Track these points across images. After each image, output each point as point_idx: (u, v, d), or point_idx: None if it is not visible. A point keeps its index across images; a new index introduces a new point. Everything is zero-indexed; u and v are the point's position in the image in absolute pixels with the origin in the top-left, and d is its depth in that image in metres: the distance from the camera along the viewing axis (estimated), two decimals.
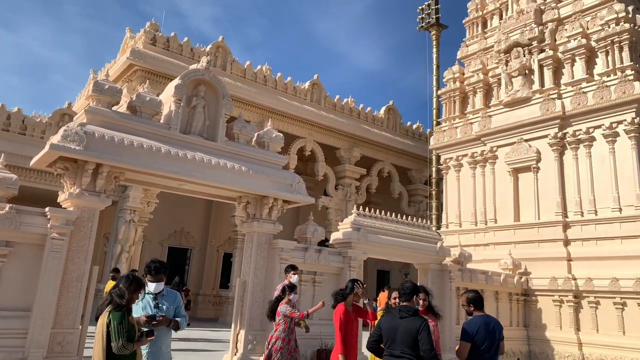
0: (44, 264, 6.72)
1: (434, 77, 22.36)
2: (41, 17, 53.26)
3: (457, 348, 4.74)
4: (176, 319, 4.48)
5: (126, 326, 3.80)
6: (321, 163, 20.47)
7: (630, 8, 14.31)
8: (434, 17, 23.48)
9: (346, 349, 5.56)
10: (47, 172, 14.20)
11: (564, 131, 14.54)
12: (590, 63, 14.70)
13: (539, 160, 14.96)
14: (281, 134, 9.87)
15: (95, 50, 58.28)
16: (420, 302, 5.99)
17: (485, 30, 18.41)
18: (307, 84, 20.61)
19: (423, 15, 24.11)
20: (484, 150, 16.39)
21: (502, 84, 16.32)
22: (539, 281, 13.70)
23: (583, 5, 15.49)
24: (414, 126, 24.50)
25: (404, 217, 11.55)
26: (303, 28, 63.16)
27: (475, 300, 4.83)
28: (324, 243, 10.58)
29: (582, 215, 13.73)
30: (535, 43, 15.64)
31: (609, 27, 14.19)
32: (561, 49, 15.27)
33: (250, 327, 8.82)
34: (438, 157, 19.25)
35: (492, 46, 17.23)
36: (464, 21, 19.11)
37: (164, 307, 4.47)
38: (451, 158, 17.50)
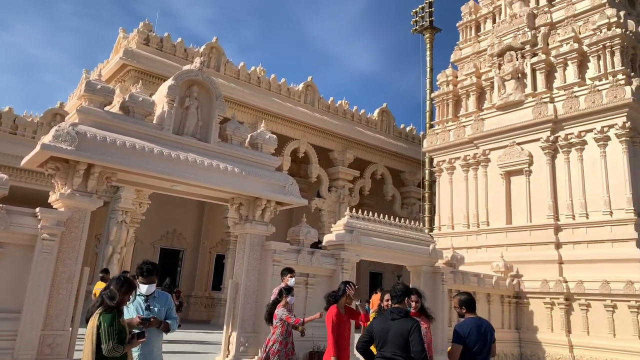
0: (34, 265, 6.67)
1: (428, 80, 22.43)
2: (34, 16, 52.96)
3: (448, 349, 4.75)
4: (167, 320, 4.45)
5: (117, 328, 3.77)
6: (314, 165, 20.47)
7: (621, 13, 14.43)
8: (427, 20, 23.55)
9: (338, 351, 5.56)
10: (38, 172, 14.10)
11: (556, 135, 14.63)
12: (582, 67, 14.81)
13: (531, 163, 15.04)
14: (274, 136, 9.87)
15: (88, 50, 58.02)
16: (413, 304, 5.99)
17: (478, 33, 18.50)
18: (301, 86, 20.60)
19: (417, 18, 24.18)
20: (477, 153, 16.46)
21: (495, 87, 16.41)
22: (530, 284, 13.77)
23: (575, 10, 15.61)
24: (408, 129, 24.56)
25: (397, 219, 11.57)
26: (297, 30, 63.25)
27: (467, 302, 4.85)
28: (317, 245, 10.58)
29: (574, 219, 13.82)
30: (528, 47, 15.74)
31: (601, 32, 14.31)
32: (554, 53, 15.37)
33: (243, 329, 8.79)
34: (431, 160, 19.31)
35: (486, 50, 17.32)
36: (457, 24, 19.20)
37: (156, 309, 4.44)
38: (444, 161, 17.55)
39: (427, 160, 20.40)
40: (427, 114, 21.62)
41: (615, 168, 13.31)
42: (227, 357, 8.70)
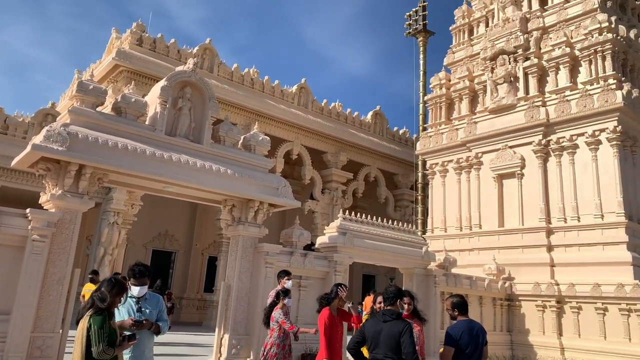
0: (24, 266, 6.61)
1: (421, 83, 22.49)
2: (25, 16, 52.61)
3: (440, 350, 4.75)
4: (158, 322, 4.43)
5: (107, 330, 3.74)
6: (308, 167, 20.46)
7: (613, 18, 14.56)
8: (421, 23, 23.63)
9: (330, 353, 5.55)
10: (29, 173, 14.01)
11: (548, 138, 14.71)
12: (574, 71, 14.92)
13: (523, 166, 15.12)
14: (268, 137, 9.85)
15: (80, 50, 57.72)
16: (405, 306, 5.99)
17: (471, 37, 18.59)
18: (294, 88, 20.60)
19: (411, 22, 24.26)
20: (469, 156, 16.52)
21: (488, 90, 16.49)
22: (522, 286, 13.82)
23: (567, 15, 15.74)
24: (401, 131, 24.62)
25: (390, 221, 11.58)
26: (291, 32, 63.28)
27: (460, 305, 4.85)
28: (309, 247, 10.57)
29: (565, 222, 13.90)
30: (520, 51, 15.84)
31: (593, 37, 14.42)
32: (546, 57, 15.48)
33: (235, 332, 8.75)
34: (424, 163, 19.36)
35: (478, 53, 17.41)
36: (450, 28, 19.29)
37: (147, 311, 4.42)
38: (437, 163, 17.61)
39: (420, 163, 20.46)
40: (421, 116, 21.68)
41: (606, 172, 13.41)
42: (219, 359, 8.66)
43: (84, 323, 3.75)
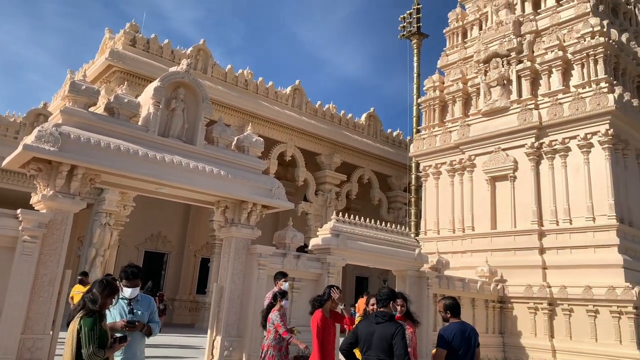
0: (14, 267, 6.55)
1: (415, 86, 22.53)
2: (18, 15, 52.26)
3: (433, 351, 4.76)
4: (149, 324, 4.41)
5: (98, 332, 3.70)
6: (301, 168, 20.45)
7: (605, 22, 14.67)
8: (415, 26, 23.69)
9: (323, 355, 5.54)
10: (20, 173, 13.89)
11: (541, 141, 14.79)
12: (566, 75, 15.02)
13: (516, 169, 15.19)
14: (261, 139, 9.84)
15: (73, 50, 57.40)
16: (398, 308, 5.99)
17: (465, 40, 18.67)
18: (288, 89, 20.60)
19: (404, 24, 24.32)
20: (463, 159, 16.58)
21: (481, 93, 16.56)
22: (514, 288, 13.87)
23: (560, 19, 15.84)
24: (395, 133, 24.67)
25: (383, 223, 11.59)
26: (286, 33, 63.29)
27: (452, 307, 4.86)
28: (303, 249, 10.55)
29: (557, 224, 13.97)
30: (513, 54, 15.92)
31: (585, 41, 14.53)
32: (539, 60, 15.57)
33: (227, 333, 8.72)
34: (417, 165, 19.40)
35: (472, 56, 17.48)
36: (444, 31, 19.36)
37: (139, 312, 4.40)
38: (430, 166, 17.65)
39: (413, 165, 20.50)
40: (414, 119, 21.72)
41: (598, 174, 13.49)
42: None
43: (74, 325, 3.72)
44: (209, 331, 8.98)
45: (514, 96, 15.68)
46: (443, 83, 18.38)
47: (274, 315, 6.45)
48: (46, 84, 57.43)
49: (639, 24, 18.04)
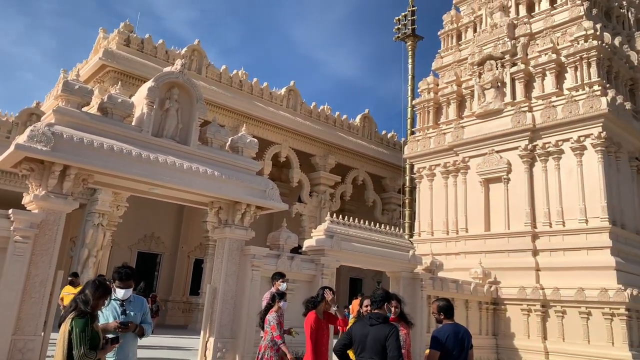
0: (5, 267, 6.50)
1: (409, 87, 22.60)
2: (11, 14, 51.95)
3: (426, 352, 4.75)
4: (142, 325, 4.39)
5: (89, 334, 3.68)
6: (296, 169, 20.43)
7: (598, 26, 14.76)
8: (410, 28, 23.76)
9: (317, 357, 5.53)
10: (12, 173, 13.79)
11: (534, 143, 14.85)
12: (560, 77, 15.09)
13: (509, 171, 15.24)
14: (256, 140, 9.82)
15: (66, 49, 57.13)
16: (392, 309, 5.99)
17: (459, 42, 18.73)
18: (283, 90, 20.58)
19: (399, 26, 24.39)
20: (457, 161, 16.62)
21: (475, 95, 16.61)
22: (508, 290, 13.91)
23: (554, 22, 15.93)
24: (389, 135, 24.71)
25: (378, 225, 11.59)
26: (280, 34, 63.27)
27: (446, 308, 4.86)
28: (297, 250, 10.53)
29: (551, 226, 14.02)
30: (507, 56, 15.99)
31: (578, 44, 14.61)
32: (532, 63, 15.64)
33: (220, 335, 8.69)
34: (412, 166, 19.43)
35: (466, 58, 17.54)
36: (439, 33, 19.41)
37: (132, 313, 4.39)
38: (424, 167, 17.68)
39: (408, 166, 20.53)
40: (409, 120, 21.78)
41: (591, 177, 13.56)
42: None
43: (66, 326, 3.69)
44: (202, 332, 8.95)
45: (507, 98, 15.74)
46: (437, 85, 18.42)
47: (271, 316, 6.45)
48: (39, 84, 57.14)
49: (632, 27, 18.16)
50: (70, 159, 7.02)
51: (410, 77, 22.84)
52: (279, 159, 20.09)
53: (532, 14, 16.79)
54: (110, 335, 3.95)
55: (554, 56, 15.03)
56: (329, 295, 5.90)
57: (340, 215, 11.22)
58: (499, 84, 16.02)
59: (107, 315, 4.25)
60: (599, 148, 13.58)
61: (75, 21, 56.29)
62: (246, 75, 19.82)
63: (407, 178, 20.84)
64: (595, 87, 13.94)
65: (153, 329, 4.74)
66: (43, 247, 6.88)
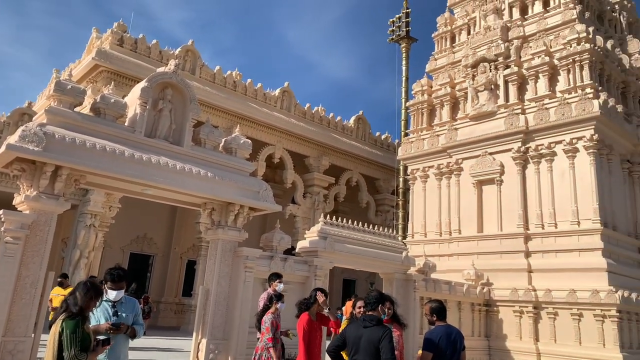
0: None
1: (403, 89, 22.65)
2: (3, 12, 51.58)
3: (419, 353, 4.76)
4: (133, 326, 4.37)
5: (80, 335, 3.65)
6: (290, 171, 20.41)
7: (590, 29, 14.88)
8: (404, 30, 23.83)
9: (309, 358, 5.52)
10: (3, 173, 13.68)
11: (527, 145, 14.92)
12: (552, 80, 15.18)
13: (502, 173, 15.31)
14: (249, 141, 9.80)
15: (59, 49, 56.79)
16: (386, 311, 5.98)
17: (453, 45, 18.80)
18: (277, 91, 20.55)
19: (394, 28, 24.45)
20: (450, 162, 16.67)
21: (469, 97, 16.67)
22: (500, 292, 13.95)
23: (547, 25, 16.03)
24: (383, 136, 24.74)
25: (371, 226, 11.59)
26: (275, 35, 63.24)
27: (438, 310, 4.87)
28: (290, 251, 10.51)
29: (543, 228, 14.09)
30: (501, 59, 16.06)
31: (571, 47, 14.70)
32: (525, 65, 15.72)
33: (212, 336, 8.65)
34: (405, 168, 19.47)
35: (460, 60, 17.61)
36: (433, 35, 19.47)
37: (123, 315, 4.37)
38: (418, 169, 17.72)
39: (401, 168, 20.57)
40: (403, 122, 21.84)
41: (583, 179, 13.64)
42: None
43: (56, 327, 3.66)
44: (194, 334, 8.91)
45: (501, 101, 15.82)
46: (431, 87, 18.48)
47: (267, 317, 6.45)
48: (31, 83, 56.76)
49: (624, 31, 18.30)
50: (62, 159, 6.98)
51: (404, 78, 22.91)
52: (272, 160, 20.06)
53: (525, 16, 16.89)
54: (101, 337, 3.93)
55: (546, 59, 15.12)
56: (321, 298, 5.90)
57: (334, 217, 11.21)
58: (493, 86, 16.10)
59: (98, 317, 4.23)
60: (591, 150, 13.67)
61: (69, 21, 56.00)
62: (240, 76, 19.78)
63: (401, 179, 20.88)
64: (588, 90, 14.04)
65: (145, 330, 4.72)
66: (34, 248, 6.83)
